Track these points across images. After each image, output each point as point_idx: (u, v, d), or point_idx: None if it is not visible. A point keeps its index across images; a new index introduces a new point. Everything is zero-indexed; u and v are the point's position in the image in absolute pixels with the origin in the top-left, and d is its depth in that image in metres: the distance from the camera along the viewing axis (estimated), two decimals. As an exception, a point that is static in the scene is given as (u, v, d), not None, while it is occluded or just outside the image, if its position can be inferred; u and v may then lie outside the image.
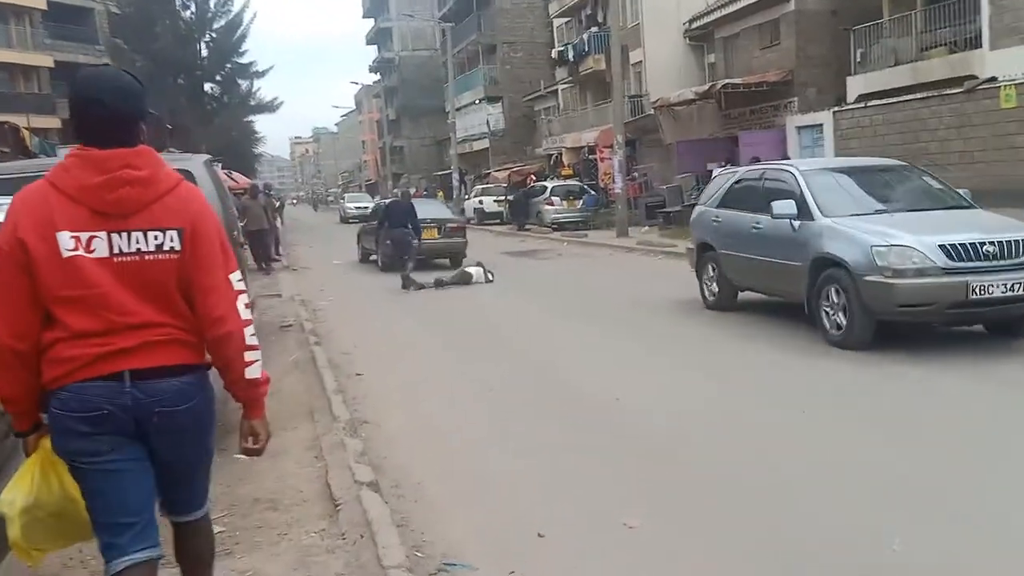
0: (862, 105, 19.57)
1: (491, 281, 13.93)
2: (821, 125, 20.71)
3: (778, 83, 22.13)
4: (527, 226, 27.47)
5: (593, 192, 27.52)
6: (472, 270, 14.07)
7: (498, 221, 31.58)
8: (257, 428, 2.44)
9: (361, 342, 8.78)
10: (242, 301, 2.33)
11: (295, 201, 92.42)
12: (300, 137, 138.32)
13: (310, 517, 3.92)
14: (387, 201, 17.41)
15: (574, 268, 16.02)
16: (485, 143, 45.88)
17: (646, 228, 22.70)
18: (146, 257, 2.23)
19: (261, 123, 39.09)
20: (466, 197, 37.53)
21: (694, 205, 21.89)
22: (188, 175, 7.99)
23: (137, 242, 2.22)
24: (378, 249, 16.34)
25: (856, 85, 20.26)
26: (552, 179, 31.37)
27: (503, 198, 31.66)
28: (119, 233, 2.20)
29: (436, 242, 16.31)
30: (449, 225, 16.91)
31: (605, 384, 6.35)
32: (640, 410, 5.66)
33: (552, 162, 37.02)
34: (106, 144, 2.22)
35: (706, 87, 23.31)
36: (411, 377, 7.09)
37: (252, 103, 38.51)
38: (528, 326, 9.55)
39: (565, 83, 36.78)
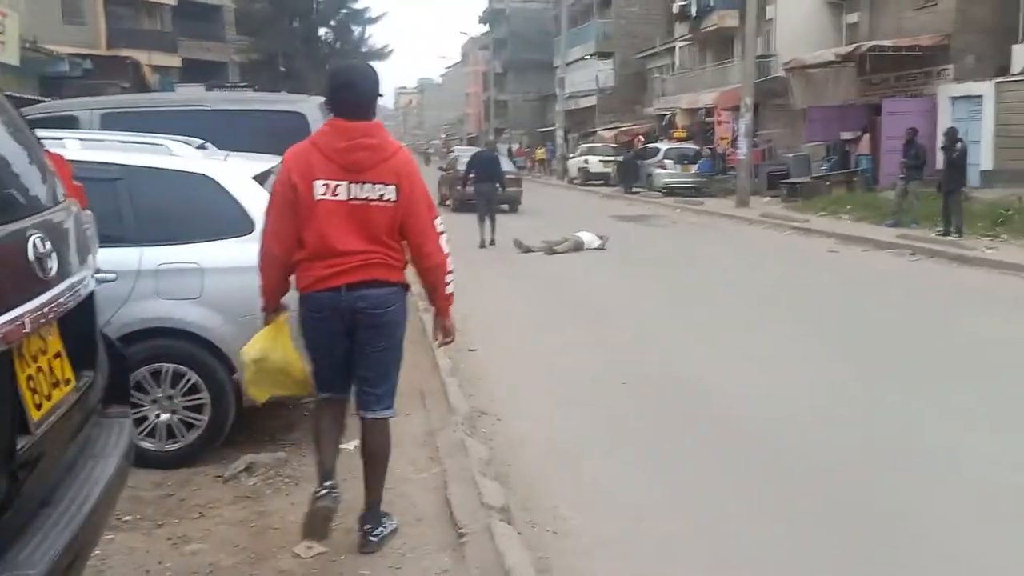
0: (1031, 77, 17.42)
1: (603, 248, 13.04)
2: (980, 97, 18.58)
3: (932, 48, 19.96)
4: (635, 189, 26.22)
5: (710, 157, 25.92)
6: (584, 236, 13.18)
7: (603, 183, 30.39)
8: (447, 326, 3.32)
9: (471, 310, 8.07)
10: (443, 239, 3.18)
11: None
12: (405, 87, 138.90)
13: (428, 547, 3.21)
14: (472, 152, 18.99)
15: (693, 239, 14.86)
16: (592, 101, 44.34)
17: (767, 199, 21.18)
18: (371, 203, 3.04)
19: (371, 71, 38.55)
20: (570, 156, 36.37)
21: (824, 177, 20.66)
22: (300, 117, 7.45)
23: (366, 191, 3.03)
24: (451, 194, 19.50)
25: (1023, 55, 18.04)
26: (663, 141, 29.86)
27: (611, 159, 30.36)
28: (356, 183, 3.01)
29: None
30: (508, 176, 17.33)
31: (772, 401, 5.41)
32: (832, 439, 4.71)
33: (664, 123, 35.33)
34: (353, 117, 3.04)
35: (849, 48, 21.32)
36: (529, 359, 6.33)
37: (363, 50, 38.18)
38: (655, 307, 8.62)
39: (684, 40, 34.83)
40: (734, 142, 26.45)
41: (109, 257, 3.93)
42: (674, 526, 3.55)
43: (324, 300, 3.04)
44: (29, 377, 2.00)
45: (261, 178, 4.41)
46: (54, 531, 2.03)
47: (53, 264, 2.08)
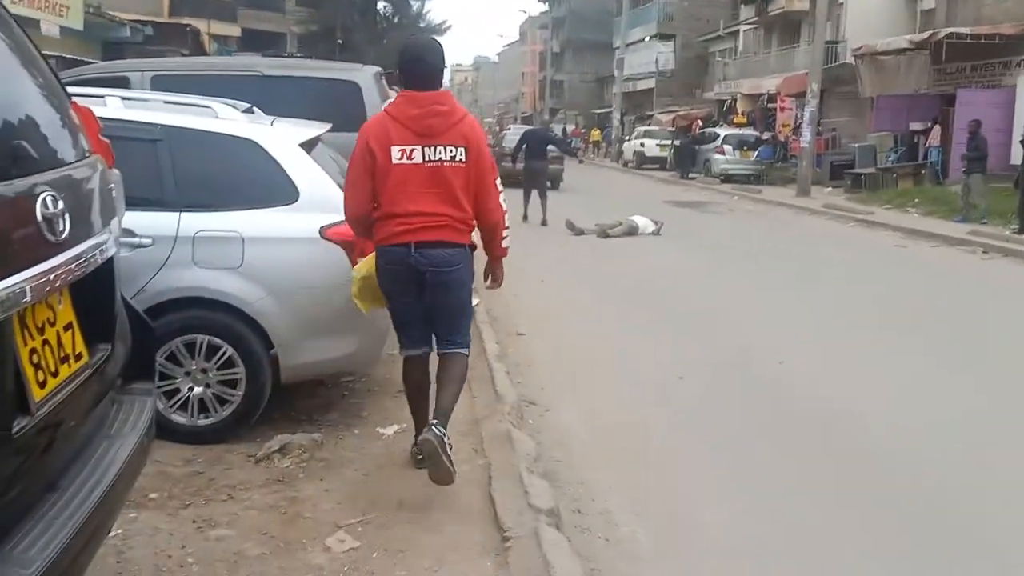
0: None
1: (658, 234, 12.63)
2: (1062, 89, 17.54)
3: (1013, 36, 18.89)
4: (692, 175, 25.59)
5: (770, 144, 25.11)
6: (639, 220, 12.78)
7: (658, 167, 29.75)
8: (497, 273, 3.69)
9: (520, 291, 7.81)
10: (502, 197, 3.49)
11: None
12: (461, 65, 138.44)
13: (467, 547, 2.96)
14: (524, 129, 18.45)
15: (751, 227, 14.31)
16: (651, 83, 43.45)
17: (829, 189, 20.44)
18: (444, 164, 3.29)
19: (428, 46, 38.15)
20: (626, 138, 35.71)
21: (890, 168, 19.80)
22: (354, 87, 7.22)
23: (439, 153, 3.28)
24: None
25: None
26: (723, 126, 29.05)
27: (668, 142, 29.68)
28: (430, 147, 3.27)
29: None
30: (552, 155, 16.79)
31: (851, 397, 5.04)
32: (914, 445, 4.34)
33: (724, 108, 34.42)
34: (423, 88, 3.33)
35: (925, 35, 20.29)
36: (580, 346, 6.04)
37: (421, 24, 37.92)
38: (713, 296, 8.23)
39: (749, 23, 33.77)
40: (796, 129, 25.62)
41: (146, 221, 3.77)
42: (742, 540, 3.24)
43: (397, 254, 3.35)
44: (33, 351, 1.78)
45: (308, 145, 4.19)
46: (59, 520, 1.83)
47: (65, 225, 1.85)
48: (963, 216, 14.14)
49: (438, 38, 35.00)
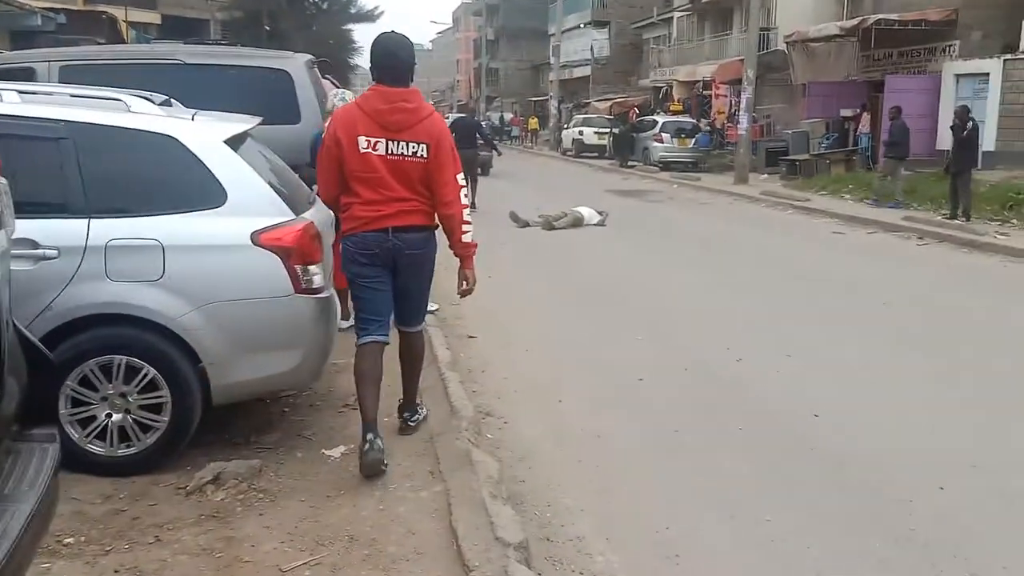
0: (1042, 54, 16.87)
1: (603, 224, 12.46)
2: (986, 75, 18.00)
3: (939, 23, 19.35)
4: (631, 163, 25.58)
5: (708, 131, 25.26)
6: (584, 211, 12.58)
7: (597, 155, 29.70)
8: (468, 275, 3.73)
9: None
10: (462, 192, 3.64)
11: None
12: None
13: (429, 591, 2.66)
14: (451, 118, 17.83)
15: (693, 217, 14.28)
16: (586, 71, 43.43)
17: (765, 176, 20.62)
18: (405, 158, 3.51)
19: (359, 33, 37.24)
20: (564, 126, 35.56)
21: (823, 155, 20.10)
22: (285, 76, 6.76)
23: (401, 148, 3.50)
24: None
25: (1034, 30, 17.47)
26: (659, 114, 29.14)
27: (607, 131, 29.63)
28: (393, 141, 3.49)
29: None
30: (479, 141, 16.80)
31: (803, 396, 4.88)
32: (864, 446, 4.19)
33: (660, 96, 34.56)
34: (393, 84, 3.53)
35: (854, 22, 20.61)
36: (535, 347, 5.77)
37: (352, 11, 37.01)
38: (666, 291, 8.06)
39: (682, 10, 33.93)
40: (732, 116, 25.87)
41: (50, 231, 3.34)
42: (725, 566, 3.02)
43: (374, 239, 3.52)
44: None
45: (236, 141, 3.79)
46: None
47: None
48: (875, 200, 14.67)
49: (370, 25, 33.96)
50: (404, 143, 3.46)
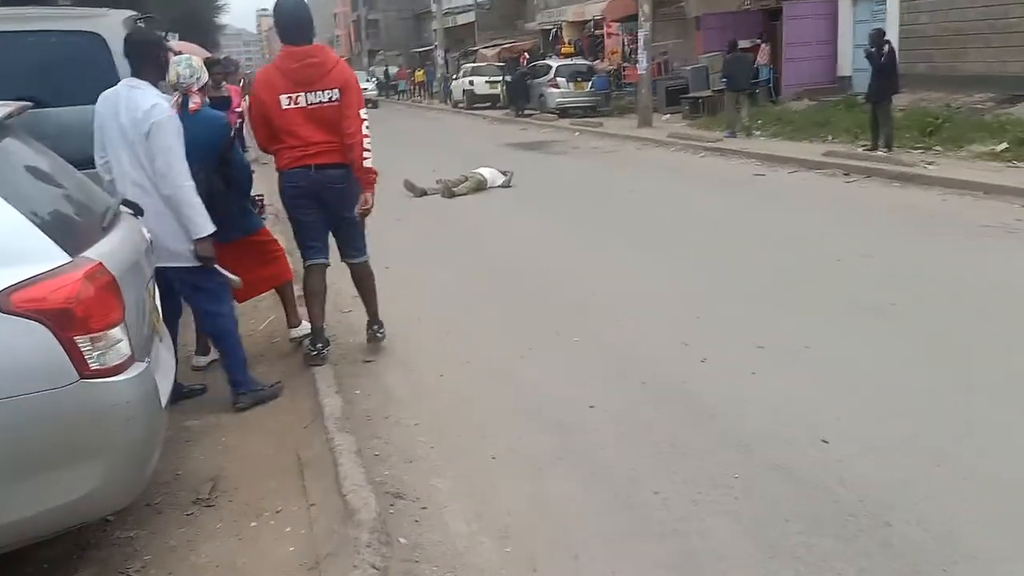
0: (939, -31, 16.45)
1: (509, 185, 11.29)
2: (884, -4, 17.56)
3: (831, -57, 18.76)
4: (526, 111, 24.37)
5: (605, 74, 24.21)
6: (486, 172, 11.37)
7: (489, 104, 28.32)
8: (367, 198, 4.33)
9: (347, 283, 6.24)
10: (365, 124, 4.25)
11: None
12: (267, 9, 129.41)
13: None
14: None
15: (604, 168, 13.23)
16: (471, 16, 41.72)
17: (667, 116, 19.83)
18: (323, 104, 4.18)
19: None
20: (453, 77, 33.88)
21: (723, 90, 19.41)
22: (97, 40, 5.19)
23: (318, 97, 4.17)
24: None
25: (929, -53, 17.04)
26: (551, 57, 27.90)
27: (498, 79, 28.23)
28: (310, 92, 4.16)
29: None
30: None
31: (794, 409, 3.90)
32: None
33: (550, 38, 33.27)
34: (297, 43, 4.19)
35: (745, -53, 19.84)
36: (449, 372, 4.59)
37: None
38: (593, 269, 6.98)
39: (565, -53, 32.55)
40: (627, 56, 24.93)
41: None
42: None
43: (299, 174, 4.25)
44: None
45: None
46: None
47: None
48: (730, 131, 15.31)
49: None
50: (319, 92, 4.14)
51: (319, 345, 4.41)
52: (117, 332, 2.54)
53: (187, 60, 4.16)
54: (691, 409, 3.87)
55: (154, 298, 3.31)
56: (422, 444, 3.60)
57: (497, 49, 35.37)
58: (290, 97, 4.13)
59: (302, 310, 4.87)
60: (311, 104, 4.14)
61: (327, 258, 4.47)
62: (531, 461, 3.43)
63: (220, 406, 4.07)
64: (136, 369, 2.60)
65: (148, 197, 3.63)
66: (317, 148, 4.18)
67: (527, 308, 5.67)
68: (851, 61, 18.34)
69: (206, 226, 3.72)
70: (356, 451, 3.32)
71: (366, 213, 4.35)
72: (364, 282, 4.68)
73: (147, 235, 3.34)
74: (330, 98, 4.16)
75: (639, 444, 3.54)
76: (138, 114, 3.61)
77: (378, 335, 4.77)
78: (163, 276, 3.68)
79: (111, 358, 2.51)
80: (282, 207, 4.62)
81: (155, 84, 3.81)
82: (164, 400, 2.84)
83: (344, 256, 4.57)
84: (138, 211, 3.45)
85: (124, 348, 2.57)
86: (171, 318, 3.93)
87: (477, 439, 3.65)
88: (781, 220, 8.31)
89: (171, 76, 4.07)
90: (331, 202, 4.31)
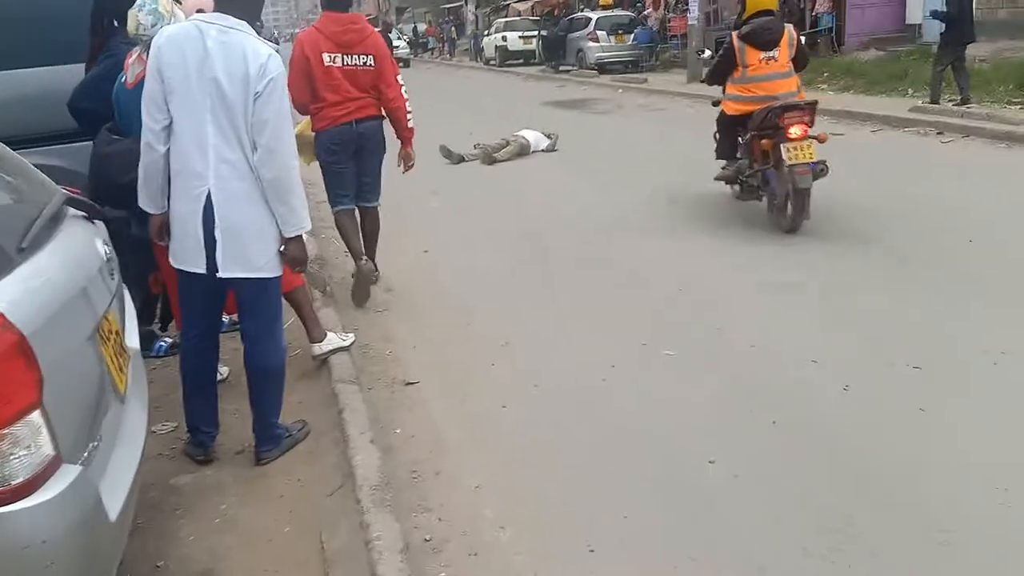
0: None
1: (555, 149, 10.21)
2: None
3: None
4: (564, 67, 23.04)
5: (647, 25, 22.72)
6: (529, 135, 10.27)
7: (523, 61, 26.97)
8: (409, 154, 4.93)
9: (396, 277, 5.28)
10: (403, 88, 4.79)
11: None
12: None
13: None
14: None
15: (656, 130, 11.97)
16: (502, -31, 39.84)
17: (718, 71, 18.39)
18: (358, 68, 4.62)
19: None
20: (484, 33, 32.44)
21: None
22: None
23: (355, 60, 4.61)
24: None
25: None
26: (588, 10, 26.38)
27: (533, 34, 26.81)
28: (348, 55, 4.60)
29: None
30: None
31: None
32: None
33: (586, -10, 31.59)
34: (340, 10, 4.66)
35: None
36: (514, 404, 3.61)
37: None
38: (668, 256, 5.94)
39: None
40: (672, 6, 23.39)
41: None
42: None
43: (343, 131, 4.67)
44: None
45: None
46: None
47: None
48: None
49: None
50: (356, 55, 4.61)
51: (360, 262, 4.82)
52: (27, 425, 1.60)
53: (149, 4, 3.17)
54: (847, 467, 2.86)
55: (118, 335, 2.35)
56: (489, 522, 2.64)
57: (531, 2, 33.77)
58: (332, 56, 4.56)
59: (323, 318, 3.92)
60: (348, 65, 4.58)
61: (354, 206, 4.93)
62: (645, 553, 2.46)
63: (220, 450, 3.15)
64: (62, 480, 1.65)
65: (240, 181, 2.70)
66: (356, 104, 4.63)
67: (598, 309, 4.66)
68: (922, 7, 16.77)
69: (308, 220, 2.83)
70: (401, 543, 2.37)
71: (409, 168, 4.97)
72: (374, 226, 5.02)
73: (104, 249, 2.37)
74: (365, 63, 4.61)
75: (793, 527, 2.55)
76: (250, 67, 2.64)
77: (375, 273, 4.95)
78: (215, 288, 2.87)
79: (17, 469, 1.57)
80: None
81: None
82: (118, 509, 1.89)
83: (361, 201, 4.93)
84: (95, 214, 2.48)
85: (44, 447, 1.63)
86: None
87: (563, 512, 2.68)
88: (875, 185, 7.15)
89: (130, 25, 3.09)
90: (367, 151, 4.77)
